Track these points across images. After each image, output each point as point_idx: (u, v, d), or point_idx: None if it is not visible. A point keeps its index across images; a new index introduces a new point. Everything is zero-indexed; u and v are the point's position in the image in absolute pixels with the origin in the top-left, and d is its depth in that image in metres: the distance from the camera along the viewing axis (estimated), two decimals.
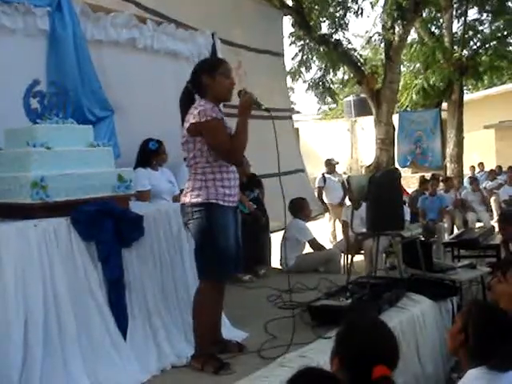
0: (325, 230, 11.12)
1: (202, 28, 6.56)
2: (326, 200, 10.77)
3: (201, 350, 3.63)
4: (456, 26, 17.48)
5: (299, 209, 7.03)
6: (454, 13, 17.00)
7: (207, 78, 3.64)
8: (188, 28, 6.34)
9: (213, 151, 3.55)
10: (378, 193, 5.18)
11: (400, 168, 14.25)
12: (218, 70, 3.66)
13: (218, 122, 3.55)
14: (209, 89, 3.64)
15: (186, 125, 3.58)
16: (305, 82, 16.27)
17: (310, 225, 7.37)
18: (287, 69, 13.09)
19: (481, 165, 17.67)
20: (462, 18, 17.08)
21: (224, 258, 3.55)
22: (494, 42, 16.44)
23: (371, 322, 2.40)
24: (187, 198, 3.60)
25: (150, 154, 5.40)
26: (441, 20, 17.44)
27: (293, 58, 15.60)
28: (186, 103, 3.72)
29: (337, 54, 14.10)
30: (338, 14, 14.32)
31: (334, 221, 10.95)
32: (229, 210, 3.62)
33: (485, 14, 17.15)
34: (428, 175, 12.89)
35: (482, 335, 2.52)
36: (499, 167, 16.71)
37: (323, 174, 11.07)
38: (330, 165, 11.20)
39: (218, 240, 3.53)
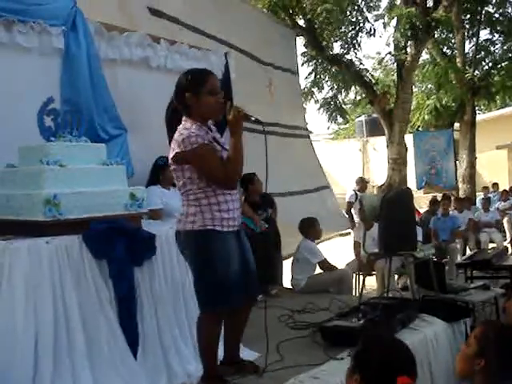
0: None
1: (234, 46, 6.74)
2: (355, 217, 10.37)
3: (206, 371, 3.53)
4: (468, 47, 17.62)
5: (309, 228, 7.00)
6: (466, 33, 17.10)
7: (191, 97, 3.30)
8: (201, 48, 6.39)
9: (205, 179, 3.29)
10: (390, 213, 5.15)
11: (416, 189, 14.11)
12: (202, 87, 3.30)
13: (205, 149, 3.24)
14: (194, 109, 3.32)
15: (172, 153, 3.30)
16: (316, 102, 16.30)
17: (335, 241, 7.26)
18: None
19: (495, 185, 17.40)
20: (474, 39, 17.21)
21: (226, 287, 3.30)
22: (506, 63, 16.45)
23: (387, 338, 2.47)
24: (181, 225, 3.39)
25: (158, 170, 5.38)
26: (453, 41, 17.51)
27: (306, 78, 15.67)
28: (172, 122, 3.46)
29: (349, 74, 14.14)
30: (350, 34, 14.40)
31: None
32: (229, 236, 3.36)
33: (496, 35, 17.20)
34: (440, 196, 12.82)
35: (504, 361, 2.48)
36: None
37: (355, 191, 10.86)
38: (363, 182, 11.12)
39: (217, 269, 3.28)
